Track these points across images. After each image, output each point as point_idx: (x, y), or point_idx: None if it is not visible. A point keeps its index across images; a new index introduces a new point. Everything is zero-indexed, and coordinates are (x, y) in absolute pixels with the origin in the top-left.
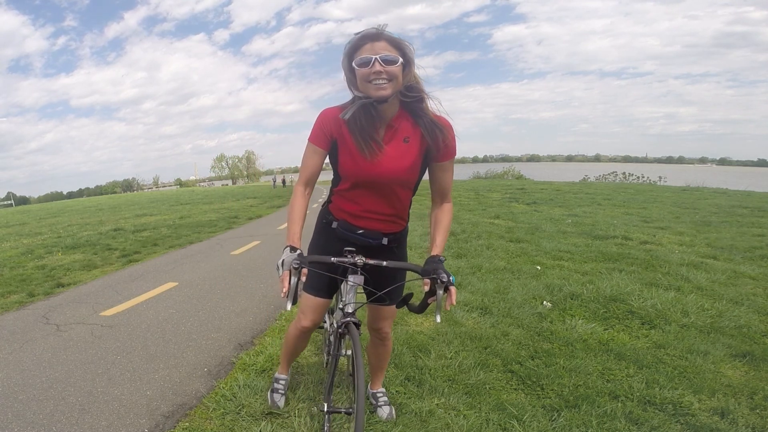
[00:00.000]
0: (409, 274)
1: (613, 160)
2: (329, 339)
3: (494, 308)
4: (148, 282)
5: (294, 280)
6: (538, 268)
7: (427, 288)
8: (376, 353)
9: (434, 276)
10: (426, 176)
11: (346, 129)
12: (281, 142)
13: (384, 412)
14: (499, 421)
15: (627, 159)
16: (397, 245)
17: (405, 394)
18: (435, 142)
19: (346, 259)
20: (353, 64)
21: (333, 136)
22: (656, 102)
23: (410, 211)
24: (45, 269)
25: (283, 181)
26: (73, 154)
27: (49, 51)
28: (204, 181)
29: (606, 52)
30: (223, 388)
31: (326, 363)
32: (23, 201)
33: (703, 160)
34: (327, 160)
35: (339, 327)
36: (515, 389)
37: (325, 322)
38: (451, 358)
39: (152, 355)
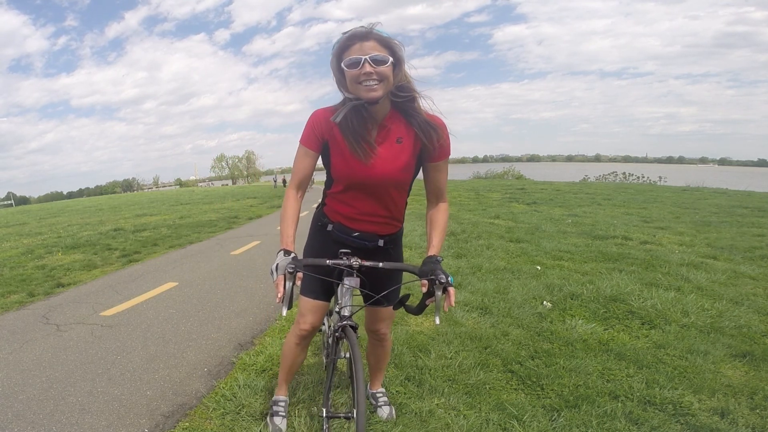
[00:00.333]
0: (407, 275)
1: (614, 160)
2: (327, 341)
3: (494, 308)
4: (148, 282)
5: (289, 284)
6: (538, 268)
7: (425, 289)
8: (374, 354)
9: (432, 277)
10: (420, 176)
11: (338, 131)
12: (281, 142)
13: (384, 412)
14: (499, 421)
15: (627, 159)
16: (392, 246)
17: (405, 394)
18: (430, 142)
19: (341, 262)
20: (342, 65)
21: (324, 138)
22: (657, 102)
23: (409, 211)
24: (45, 269)
25: (284, 181)
26: (74, 154)
27: (50, 51)
28: (204, 181)
29: (607, 52)
30: (223, 388)
31: (325, 366)
32: (23, 201)
33: (703, 160)
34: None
35: (336, 330)
36: (515, 389)
37: (324, 324)
38: (451, 358)
39: (152, 355)
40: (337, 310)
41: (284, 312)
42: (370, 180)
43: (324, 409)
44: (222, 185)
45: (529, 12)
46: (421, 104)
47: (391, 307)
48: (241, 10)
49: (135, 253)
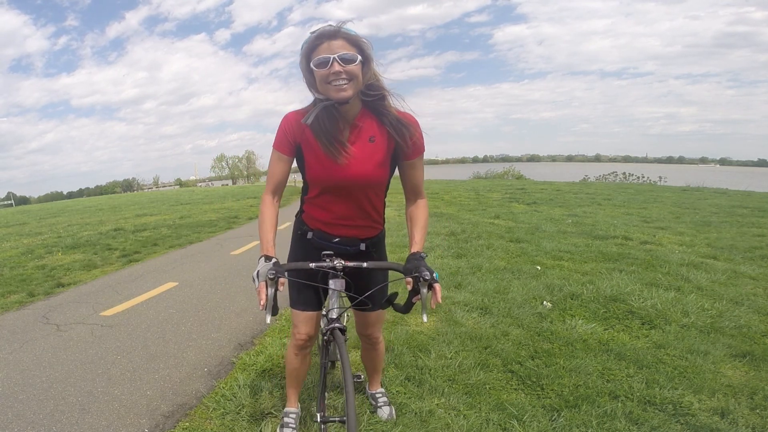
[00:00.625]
0: (392, 275)
1: (614, 160)
2: (320, 345)
3: (494, 308)
4: (148, 282)
5: (271, 291)
6: (538, 268)
7: (410, 287)
8: (369, 358)
9: (416, 274)
10: (397, 174)
11: (310, 133)
12: None
13: (384, 413)
14: (499, 421)
15: (627, 159)
16: (375, 250)
17: (405, 394)
18: (403, 140)
19: (324, 264)
20: (311, 65)
21: (297, 141)
22: (657, 102)
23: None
24: (45, 269)
25: None
26: (74, 154)
27: (51, 51)
28: (204, 181)
29: (607, 52)
30: (223, 388)
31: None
32: (23, 201)
33: (703, 160)
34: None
35: (324, 334)
36: (515, 389)
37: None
38: (451, 358)
39: (152, 355)
40: (323, 313)
41: (268, 319)
42: (346, 181)
43: (318, 414)
44: (222, 185)
45: (530, 12)
46: (391, 102)
47: (379, 310)
48: (242, 10)
49: (135, 253)
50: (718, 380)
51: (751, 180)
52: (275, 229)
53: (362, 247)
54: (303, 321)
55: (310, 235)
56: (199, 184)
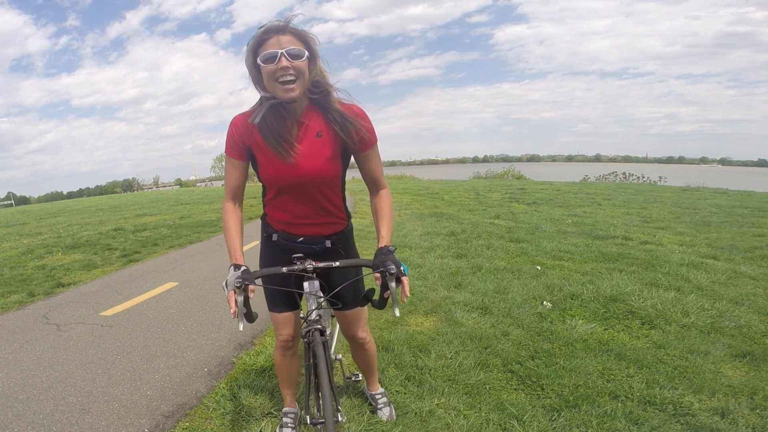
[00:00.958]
0: (365, 270)
1: (614, 160)
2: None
3: (494, 308)
4: (148, 282)
5: (240, 299)
6: (539, 268)
7: (379, 282)
8: (360, 359)
9: (383, 269)
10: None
11: (258, 134)
12: None
13: (384, 414)
14: (499, 421)
15: (627, 159)
16: (342, 245)
17: (405, 394)
18: (349, 136)
19: (296, 267)
20: (258, 60)
21: (246, 144)
22: (657, 102)
23: (409, 211)
24: (45, 269)
25: None
26: (74, 154)
27: (51, 50)
28: (204, 181)
29: (607, 52)
30: (223, 388)
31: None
32: (23, 201)
33: (703, 160)
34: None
35: (304, 336)
36: (515, 389)
37: None
38: (451, 358)
39: (152, 355)
40: (302, 316)
41: (240, 327)
42: (297, 180)
43: (308, 417)
44: (222, 185)
45: (530, 12)
46: (335, 96)
47: (358, 309)
48: (243, 10)
49: (135, 253)
50: (718, 380)
51: (751, 180)
52: (241, 236)
53: (328, 243)
54: (282, 322)
55: (275, 237)
56: (199, 184)
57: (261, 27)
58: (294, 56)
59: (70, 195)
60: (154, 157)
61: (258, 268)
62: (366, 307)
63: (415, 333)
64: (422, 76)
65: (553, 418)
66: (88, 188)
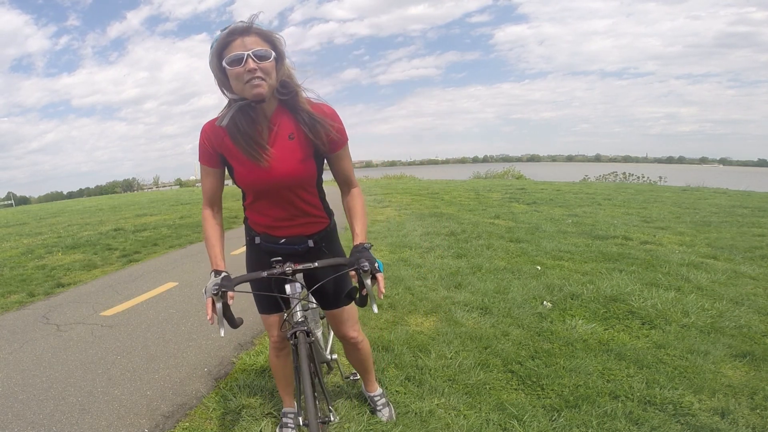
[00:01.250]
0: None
1: (614, 160)
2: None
3: (494, 308)
4: (148, 282)
5: (219, 306)
6: (539, 268)
7: (356, 280)
8: (353, 359)
9: (357, 267)
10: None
11: (229, 138)
12: None
13: (383, 415)
14: (500, 421)
15: (627, 159)
16: (326, 244)
17: (405, 394)
18: (318, 138)
19: (275, 270)
20: (224, 63)
21: (218, 151)
22: (657, 102)
23: (409, 211)
24: (45, 269)
25: None
26: (74, 154)
27: (52, 50)
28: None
29: (608, 52)
30: (223, 388)
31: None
32: (23, 201)
33: (703, 160)
34: None
35: (289, 338)
36: (515, 389)
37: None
38: (451, 358)
39: (152, 355)
40: (285, 318)
41: (222, 333)
42: (271, 183)
43: (299, 418)
44: None
45: (531, 12)
46: (303, 96)
47: (345, 308)
48: (243, 10)
49: (135, 253)
50: (718, 380)
51: (751, 180)
52: (221, 241)
53: (310, 243)
54: (272, 324)
55: (257, 240)
56: (197, 184)
57: (224, 29)
58: (260, 57)
59: (70, 195)
60: (155, 157)
61: (245, 272)
62: (355, 307)
63: (415, 333)
64: (422, 76)
65: (553, 418)
66: (88, 188)
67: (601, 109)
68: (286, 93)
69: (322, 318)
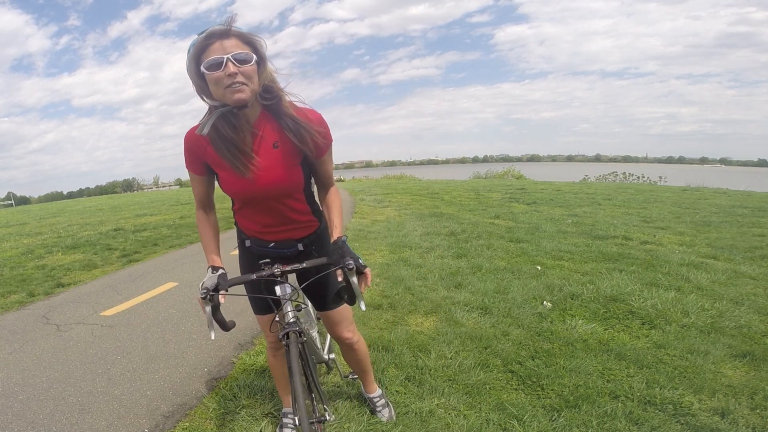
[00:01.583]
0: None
1: (614, 160)
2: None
3: (494, 308)
4: (148, 282)
5: (209, 309)
6: (539, 268)
7: (341, 278)
8: (350, 360)
9: (341, 266)
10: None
11: (211, 147)
12: None
13: (383, 415)
14: (500, 421)
15: (627, 159)
16: (315, 247)
17: (405, 394)
18: (305, 144)
19: (263, 272)
20: (202, 68)
21: (202, 159)
22: (657, 102)
23: (409, 211)
24: (45, 269)
25: None
26: (74, 154)
27: (52, 50)
28: None
29: (608, 52)
30: (223, 388)
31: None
32: (23, 201)
33: (703, 160)
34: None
35: (281, 339)
36: (515, 389)
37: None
38: (451, 358)
39: (152, 355)
40: (277, 320)
41: (212, 336)
42: (257, 193)
43: (295, 417)
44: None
45: (531, 12)
46: (287, 100)
47: (338, 308)
48: (244, 10)
49: (135, 253)
50: (718, 380)
51: (752, 180)
52: (216, 238)
53: (300, 247)
54: (267, 324)
55: (248, 243)
56: None
57: (201, 32)
58: (241, 61)
59: (71, 195)
60: (155, 157)
61: (238, 274)
62: (349, 308)
63: (415, 333)
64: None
65: (553, 418)
66: (88, 188)
67: (601, 109)
68: (270, 98)
69: (318, 318)
